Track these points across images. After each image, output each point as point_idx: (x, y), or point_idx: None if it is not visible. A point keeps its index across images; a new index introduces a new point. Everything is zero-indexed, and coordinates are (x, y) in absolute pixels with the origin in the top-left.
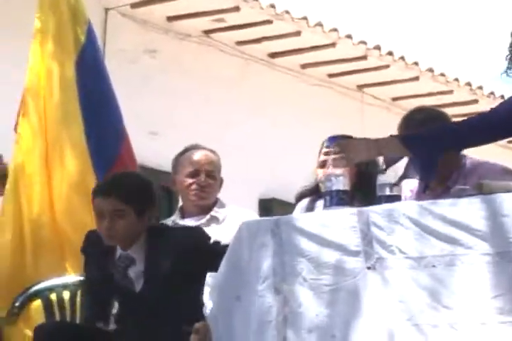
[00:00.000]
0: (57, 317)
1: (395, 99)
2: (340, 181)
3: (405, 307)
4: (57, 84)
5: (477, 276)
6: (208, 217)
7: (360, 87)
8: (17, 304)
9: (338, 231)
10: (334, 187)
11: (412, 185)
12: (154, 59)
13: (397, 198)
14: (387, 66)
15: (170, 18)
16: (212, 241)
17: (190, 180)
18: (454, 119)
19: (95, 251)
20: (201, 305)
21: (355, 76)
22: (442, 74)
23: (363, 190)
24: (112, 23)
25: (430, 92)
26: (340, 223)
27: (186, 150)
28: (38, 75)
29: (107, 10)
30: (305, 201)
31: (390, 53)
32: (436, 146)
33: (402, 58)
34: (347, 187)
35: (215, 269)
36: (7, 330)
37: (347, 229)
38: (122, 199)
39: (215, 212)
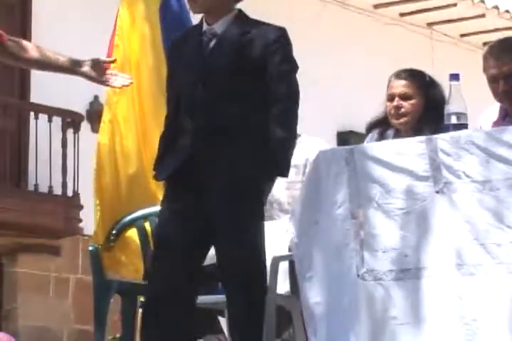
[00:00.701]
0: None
1: (462, 35)
2: None
3: (471, 227)
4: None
5: None
6: None
7: (430, 24)
8: (114, 232)
9: (408, 158)
10: None
11: (493, 114)
12: None
13: (463, 126)
14: (455, 4)
15: None
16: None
17: None
18: None
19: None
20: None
21: (425, 14)
22: (507, 11)
23: (431, 123)
24: None
25: (496, 28)
26: (410, 150)
27: None
28: (130, 39)
29: None
30: (375, 132)
31: None
32: None
33: None
34: None
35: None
36: (105, 256)
37: (416, 156)
38: None
39: None
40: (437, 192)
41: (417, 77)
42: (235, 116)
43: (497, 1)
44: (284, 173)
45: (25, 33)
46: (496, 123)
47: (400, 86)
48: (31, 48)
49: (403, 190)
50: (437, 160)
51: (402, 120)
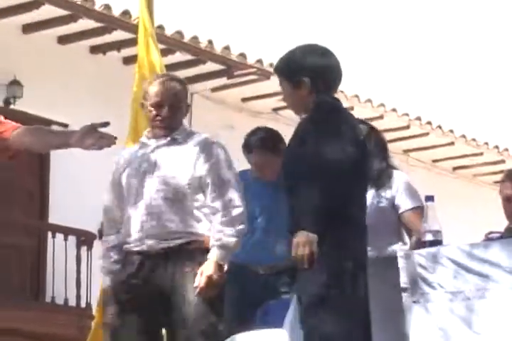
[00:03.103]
0: None
1: (434, 161)
2: None
3: (444, 333)
4: None
5: (505, 307)
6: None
7: (405, 151)
8: None
9: None
10: None
11: None
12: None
13: (439, 242)
14: (427, 134)
15: (244, 99)
16: None
17: None
18: (483, 178)
19: None
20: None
21: (401, 143)
22: (474, 139)
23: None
24: (196, 104)
25: (464, 154)
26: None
27: None
28: None
29: (192, 94)
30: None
31: (429, 123)
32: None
33: (440, 127)
34: None
35: None
36: None
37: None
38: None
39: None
40: (414, 302)
41: None
42: None
43: (464, 131)
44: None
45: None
46: None
47: None
48: (23, 134)
49: None
50: (415, 273)
51: None
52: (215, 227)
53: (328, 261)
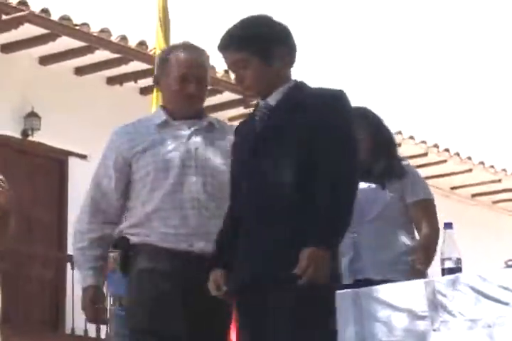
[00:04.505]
0: None
1: (453, 188)
2: None
3: None
4: None
5: None
6: None
7: (424, 178)
8: None
9: (409, 299)
10: None
11: None
12: None
13: (458, 270)
14: (445, 161)
15: None
16: None
17: None
18: (501, 205)
19: None
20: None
21: (419, 170)
22: (492, 166)
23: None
24: None
25: (482, 181)
26: (410, 292)
27: None
28: None
29: None
30: None
31: (447, 150)
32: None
33: (457, 154)
34: None
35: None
36: None
37: (416, 297)
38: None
39: None
40: (434, 330)
41: None
42: None
43: (482, 158)
44: None
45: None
46: None
47: None
48: None
49: (404, 329)
50: (435, 301)
51: None
52: None
53: None
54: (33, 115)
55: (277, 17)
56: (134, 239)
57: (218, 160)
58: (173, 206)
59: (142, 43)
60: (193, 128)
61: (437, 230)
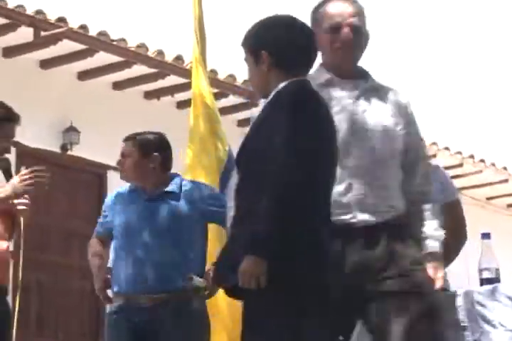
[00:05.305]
0: None
1: (489, 198)
2: None
3: None
4: None
5: None
6: None
7: (459, 189)
8: None
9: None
10: None
11: None
12: None
13: (496, 280)
14: (481, 171)
15: None
16: None
17: None
18: None
19: None
20: None
21: (455, 181)
22: None
23: None
24: None
25: None
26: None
27: None
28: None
29: None
30: None
31: (482, 160)
32: None
33: (493, 164)
34: None
35: None
36: None
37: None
38: None
39: None
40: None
41: None
42: None
43: None
44: None
45: None
46: None
47: None
48: None
49: None
50: (473, 311)
51: None
52: None
53: None
54: (71, 129)
55: None
56: None
57: (387, 124)
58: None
59: (179, 58)
60: (359, 89)
61: None
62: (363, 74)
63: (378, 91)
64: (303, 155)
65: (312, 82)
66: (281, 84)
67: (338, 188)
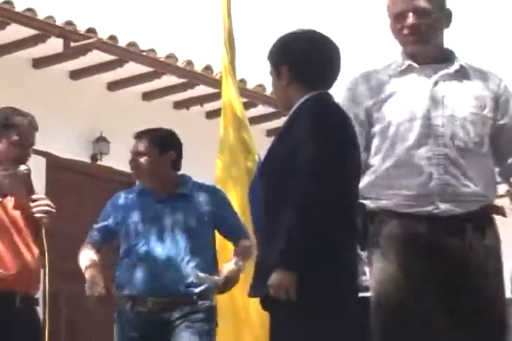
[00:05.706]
0: None
1: None
2: None
3: None
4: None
5: None
6: None
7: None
8: None
9: None
10: None
11: None
12: None
13: None
14: None
15: None
16: None
17: None
18: None
19: None
20: None
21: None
22: None
23: None
24: None
25: None
26: None
27: None
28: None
29: None
30: None
31: None
32: None
33: None
34: None
35: None
36: None
37: None
38: None
39: None
40: None
41: None
42: None
43: None
44: None
45: None
46: None
47: None
48: None
49: None
50: None
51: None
52: None
53: None
54: (101, 140)
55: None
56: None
57: (470, 109)
58: (415, 162)
59: (208, 68)
60: (439, 73)
61: None
62: (448, 57)
63: (463, 75)
64: (328, 168)
65: (388, 71)
66: (303, 98)
67: (418, 179)
